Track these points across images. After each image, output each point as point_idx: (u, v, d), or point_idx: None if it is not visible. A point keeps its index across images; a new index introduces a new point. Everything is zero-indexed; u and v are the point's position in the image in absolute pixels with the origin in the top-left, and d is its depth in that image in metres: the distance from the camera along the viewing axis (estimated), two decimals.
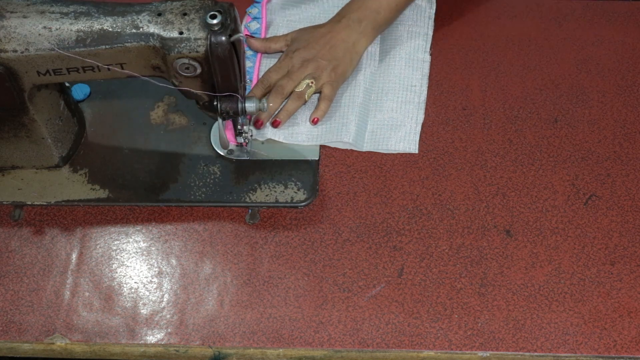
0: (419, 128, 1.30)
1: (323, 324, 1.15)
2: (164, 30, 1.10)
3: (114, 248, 1.22)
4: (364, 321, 1.15)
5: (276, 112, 1.29)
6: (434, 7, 1.40)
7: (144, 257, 1.21)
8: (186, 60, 1.10)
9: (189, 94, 1.16)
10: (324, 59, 1.29)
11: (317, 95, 1.31)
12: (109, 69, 1.13)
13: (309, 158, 1.27)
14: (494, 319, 1.14)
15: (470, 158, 1.27)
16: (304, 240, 1.21)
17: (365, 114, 1.30)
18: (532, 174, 1.26)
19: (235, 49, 1.11)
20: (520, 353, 1.12)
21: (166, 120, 1.32)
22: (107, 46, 1.10)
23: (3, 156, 1.25)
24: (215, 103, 1.16)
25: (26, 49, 1.10)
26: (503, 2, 1.43)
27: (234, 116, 1.19)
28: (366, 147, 1.28)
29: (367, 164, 1.27)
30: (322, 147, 1.29)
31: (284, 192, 1.24)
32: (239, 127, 1.23)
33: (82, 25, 1.10)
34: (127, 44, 1.10)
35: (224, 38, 1.08)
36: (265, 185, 1.25)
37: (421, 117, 1.30)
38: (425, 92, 1.33)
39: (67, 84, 1.31)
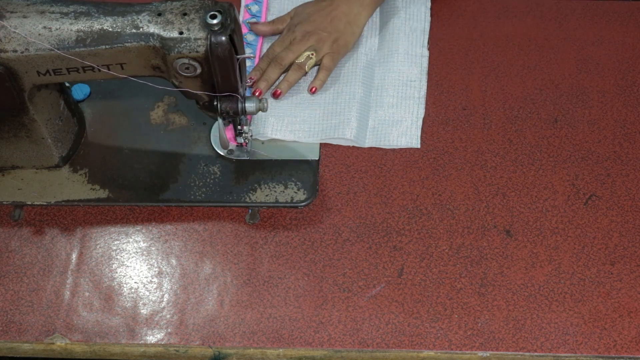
0: (420, 123, 1.30)
1: (323, 324, 1.15)
2: (164, 30, 1.10)
3: (114, 248, 1.22)
4: (364, 321, 1.15)
5: (276, 83, 1.31)
6: (429, 1, 1.41)
7: (144, 257, 1.21)
8: (186, 60, 1.10)
9: (189, 94, 1.16)
10: (325, 31, 1.31)
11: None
12: (109, 69, 1.13)
13: (309, 158, 1.27)
14: (494, 319, 1.14)
15: (470, 158, 1.27)
16: (304, 240, 1.21)
17: (366, 111, 1.31)
18: (532, 174, 1.26)
19: (235, 48, 1.11)
20: (520, 353, 1.12)
21: (166, 120, 1.32)
22: (107, 46, 1.10)
23: (3, 156, 1.25)
24: (215, 103, 1.16)
25: (26, 49, 1.10)
26: (503, 2, 1.43)
27: (234, 116, 1.19)
28: (368, 143, 1.29)
29: (367, 163, 1.27)
30: (322, 146, 1.29)
31: (284, 192, 1.24)
32: (238, 127, 1.23)
33: (82, 25, 1.10)
34: (127, 44, 1.10)
35: (224, 38, 1.08)
36: (265, 185, 1.25)
37: (422, 112, 1.31)
38: (424, 88, 1.33)
39: (67, 84, 1.30)
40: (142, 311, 1.17)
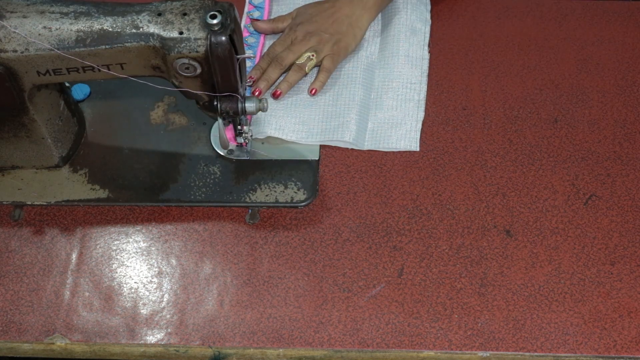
0: (419, 126, 1.30)
1: (323, 324, 1.15)
2: (164, 30, 1.10)
3: (114, 248, 1.22)
4: (364, 321, 1.15)
5: (276, 83, 1.31)
6: (430, 3, 1.41)
7: (144, 257, 1.21)
8: (186, 60, 1.10)
9: (189, 94, 1.16)
10: (326, 33, 1.31)
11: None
12: (109, 69, 1.13)
13: (309, 158, 1.27)
14: (494, 319, 1.14)
15: (470, 158, 1.27)
16: (304, 240, 1.21)
17: (365, 113, 1.30)
18: (532, 174, 1.26)
19: (235, 48, 1.11)
20: (520, 353, 1.12)
21: (166, 120, 1.32)
22: (107, 46, 1.10)
23: (3, 156, 1.25)
24: (215, 103, 1.16)
25: (26, 49, 1.10)
26: (503, 2, 1.43)
27: (234, 116, 1.19)
28: (367, 145, 1.28)
29: (367, 163, 1.27)
30: (322, 146, 1.29)
31: (284, 192, 1.24)
32: (238, 127, 1.23)
33: (82, 25, 1.10)
34: (127, 44, 1.10)
35: (224, 38, 1.08)
36: (265, 185, 1.25)
37: (421, 115, 1.31)
38: (425, 90, 1.33)
39: (67, 84, 1.31)
40: (142, 311, 1.17)
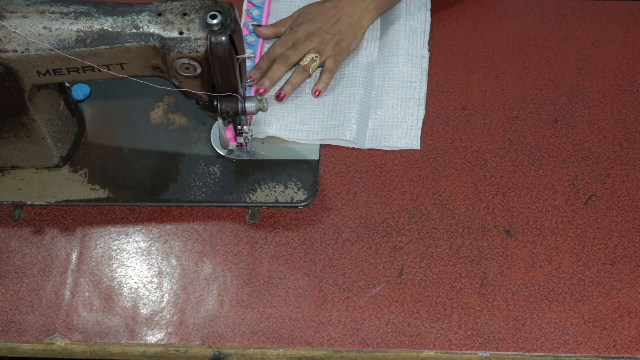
0: (420, 124, 1.30)
1: (323, 324, 1.15)
2: (164, 30, 1.10)
3: (114, 248, 1.22)
4: (364, 321, 1.15)
5: (281, 84, 1.31)
6: (430, 2, 1.41)
7: (144, 257, 1.21)
8: (186, 60, 1.10)
9: (189, 94, 1.16)
10: (328, 33, 1.31)
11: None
12: (109, 69, 1.13)
13: (309, 158, 1.27)
14: (494, 319, 1.14)
15: (470, 158, 1.27)
16: (304, 240, 1.21)
17: (365, 112, 1.31)
18: (532, 174, 1.26)
19: (235, 48, 1.11)
20: (520, 353, 1.12)
21: (166, 120, 1.32)
22: (107, 46, 1.10)
23: (3, 156, 1.25)
24: (215, 103, 1.16)
25: (26, 49, 1.10)
26: (503, 2, 1.43)
27: (234, 116, 1.19)
28: (368, 144, 1.28)
29: (367, 163, 1.27)
30: (322, 146, 1.29)
31: (284, 192, 1.24)
32: (238, 127, 1.23)
33: (82, 25, 1.10)
34: (127, 44, 1.10)
35: (224, 38, 1.08)
36: (265, 185, 1.25)
37: (422, 114, 1.31)
38: (425, 89, 1.33)
39: (67, 84, 1.30)
40: (142, 311, 1.17)
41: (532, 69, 1.36)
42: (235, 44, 1.11)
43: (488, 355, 1.13)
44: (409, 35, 1.37)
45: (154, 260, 1.21)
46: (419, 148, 1.28)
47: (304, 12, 1.36)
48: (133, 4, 1.12)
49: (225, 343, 1.14)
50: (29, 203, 1.25)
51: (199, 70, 1.11)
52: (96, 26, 1.10)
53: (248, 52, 1.35)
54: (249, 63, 1.35)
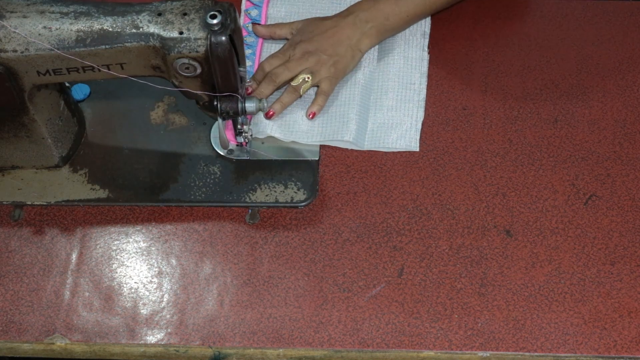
0: (419, 126, 1.30)
1: (323, 324, 1.15)
2: (164, 30, 1.10)
3: (114, 248, 1.22)
4: (364, 321, 1.15)
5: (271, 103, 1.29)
6: (429, 27, 1.40)
7: (144, 257, 1.21)
8: (186, 60, 1.10)
9: (189, 94, 1.16)
10: (325, 54, 1.29)
11: (315, 90, 1.31)
12: (109, 69, 1.13)
13: (309, 158, 1.27)
14: (494, 319, 1.14)
15: (470, 158, 1.27)
16: (304, 240, 1.21)
17: (365, 113, 1.30)
18: (532, 174, 1.26)
19: (235, 48, 1.11)
20: (520, 353, 1.12)
21: (166, 120, 1.32)
22: (107, 46, 1.10)
23: (3, 156, 1.25)
24: (215, 103, 1.16)
25: (26, 49, 1.10)
26: (503, 2, 1.43)
27: (234, 116, 1.19)
28: (367, 146, 1.28)
29: (367, 163, 1.27)
30: (322, 147, 1.29)
31: (284, 192, 1.24)
32: (239, 127, 1.23)
33: (82, 25, 1.10)
34: (127, 44, 1.10)
35: (224, 38, 1.08)
36: (265, 185, 1.25)
37: (421, 115, 1.30)
38: (424, 91, 1.33)
39: (67, 84, 1.30)
40: (142, 311, 1.17)
41: (532, 69, 1.36)
42: (235, 44, 1.11)
43: (488, 355, 1.13)
44: (408, 37, 1.37)
45: (154, 260, 1.21)
46: (418, 150, 1.28)
47: (304, 29, 1.34)
48: (133, 4, 1.12)
49: (225, 343, 1.14)
50: (29, 203, 1.25)
51: (199, 70, 1.11)
52: (96, 26, 1.10)
53: (247, 52, 1.34)
54: (248, 63, 1.35)
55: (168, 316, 1.16)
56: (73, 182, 1.26)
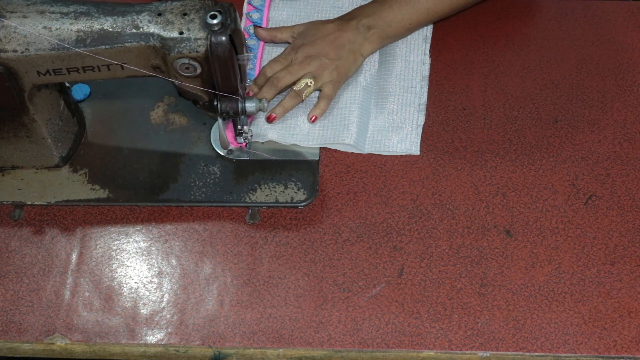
0: (420, 130, 1.29)
1: (323, 324, 1.15)
2: (164, 30, 1.10)
3: (114, 248, 1.22)
4: (364, 321, 1.15)
5: (272, 107, 1.29)
6: (430, 33, 1.40)
7: (144, 257, 1.21)
8: (186, 60, 1.10)
9: (189, 94, 1.16)
10: (327, 58, 1.29)
11: (317, 93, 1.31)
12: (109, 69, 1.13)
13: (309, 158, 1.27)
14: (494, 319, 1.14)
15: (470, 158, 1.27)
16: (304, 240, 1.21)
17: (366, 116, 1.30)
18: (532, 174, 1.26)
19: (235, 48, 1.11)
20: (520, 353, 1.12)
21: (166, 120, 1.32)
22: (107, 46, 1.10)
23: (3, 156, 1.25)
24: (215, 103, 1.16)
25: (26, 49, 1.10)
26: (503, 2, 1.43)
27: (234, 116, 1.19)
28: (367, 149, 1.28)
29: (367, 164, 1.27)
30: (322, 147, 1.29)
31: (284, 192, 1.24)
32: (239, 127, 1.23)
33: (82, 25, 1.10)
34: (127, 44, 1.10)
35: (224, 38, 1.08)
36: (265, 185, 1.25)
37: (422, 119, 1.30)
38: (425, 95, 1.33)
39: (67, 84, 1.31)
40: (142, 311, 1.17)
41: (532, 69, 1.36)
42: (235, 44, 1.11)
43: (488, 355, 1.13)
44: (410, 41, 1.37)
45: (154, 260, 1.21)
46: (418, 153, 1.28)
47: (306, 32, 1.33)
48: (133, 4, 1.12)
49: (225, 343, 1.14)
50: (29, 203, 1.25)
51: (199, 70, 1.11)
52: (96, 26, 1.10)
53: (248, 54, 1.34)
54: (250, 67, 1.35)
55: (168, 316, 1.16)
56: (73, 182, 1.26)
